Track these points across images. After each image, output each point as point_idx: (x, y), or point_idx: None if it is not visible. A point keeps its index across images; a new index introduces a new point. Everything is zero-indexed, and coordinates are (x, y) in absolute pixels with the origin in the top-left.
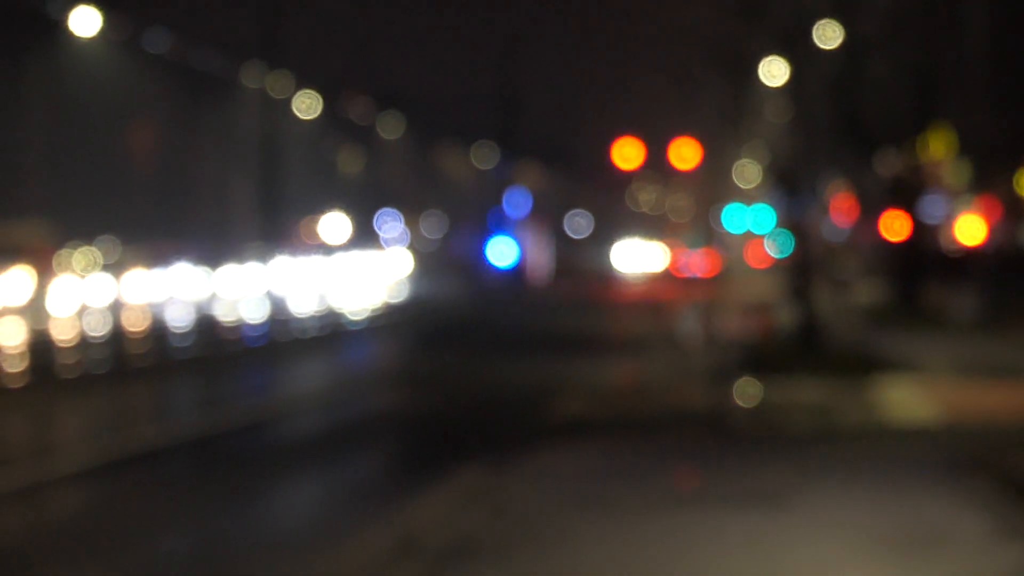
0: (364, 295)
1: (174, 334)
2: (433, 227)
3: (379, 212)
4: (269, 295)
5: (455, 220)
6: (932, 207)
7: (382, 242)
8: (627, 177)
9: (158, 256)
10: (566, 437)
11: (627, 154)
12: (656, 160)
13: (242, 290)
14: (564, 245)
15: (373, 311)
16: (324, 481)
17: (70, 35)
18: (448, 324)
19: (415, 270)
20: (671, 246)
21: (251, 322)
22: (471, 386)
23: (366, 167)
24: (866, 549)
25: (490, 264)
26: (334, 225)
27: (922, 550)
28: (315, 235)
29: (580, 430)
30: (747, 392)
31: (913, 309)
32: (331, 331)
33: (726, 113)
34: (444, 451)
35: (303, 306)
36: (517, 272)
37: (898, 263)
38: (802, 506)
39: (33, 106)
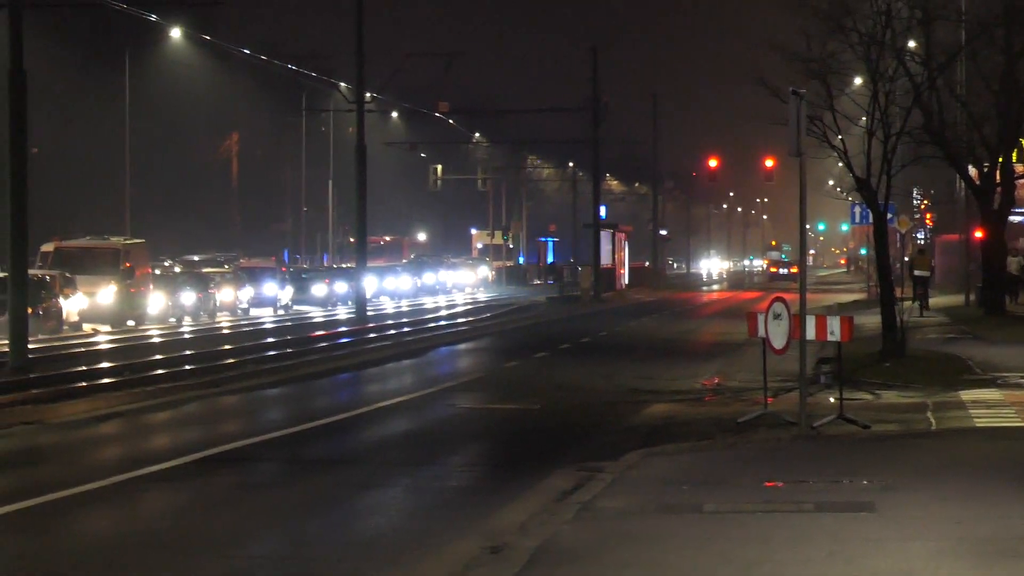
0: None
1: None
2: (520, 237)
3: (471, 227)
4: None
5: (543, 229)
6: (1019, 214)
7: (474, 251)
8: (713, 190)
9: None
10: (654, 438)
11: (712, 167)
12: (742, 174)
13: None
14: (647, 254)
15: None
16: (414, 486)
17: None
18: (537, 326)
19: (504, 276)
20: (767, 260)
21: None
22: (566, 385)
23: (459, 182)
24: (956, 556)
25: (576, 268)
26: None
27: (1014, 559)
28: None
29: (668, 431)
30: (832, 395)
31: (999, 315)
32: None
33: (813, 126)
34: (538, 451)
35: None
36: (604, 277)
37: (984, 269)
38: (892, 511)
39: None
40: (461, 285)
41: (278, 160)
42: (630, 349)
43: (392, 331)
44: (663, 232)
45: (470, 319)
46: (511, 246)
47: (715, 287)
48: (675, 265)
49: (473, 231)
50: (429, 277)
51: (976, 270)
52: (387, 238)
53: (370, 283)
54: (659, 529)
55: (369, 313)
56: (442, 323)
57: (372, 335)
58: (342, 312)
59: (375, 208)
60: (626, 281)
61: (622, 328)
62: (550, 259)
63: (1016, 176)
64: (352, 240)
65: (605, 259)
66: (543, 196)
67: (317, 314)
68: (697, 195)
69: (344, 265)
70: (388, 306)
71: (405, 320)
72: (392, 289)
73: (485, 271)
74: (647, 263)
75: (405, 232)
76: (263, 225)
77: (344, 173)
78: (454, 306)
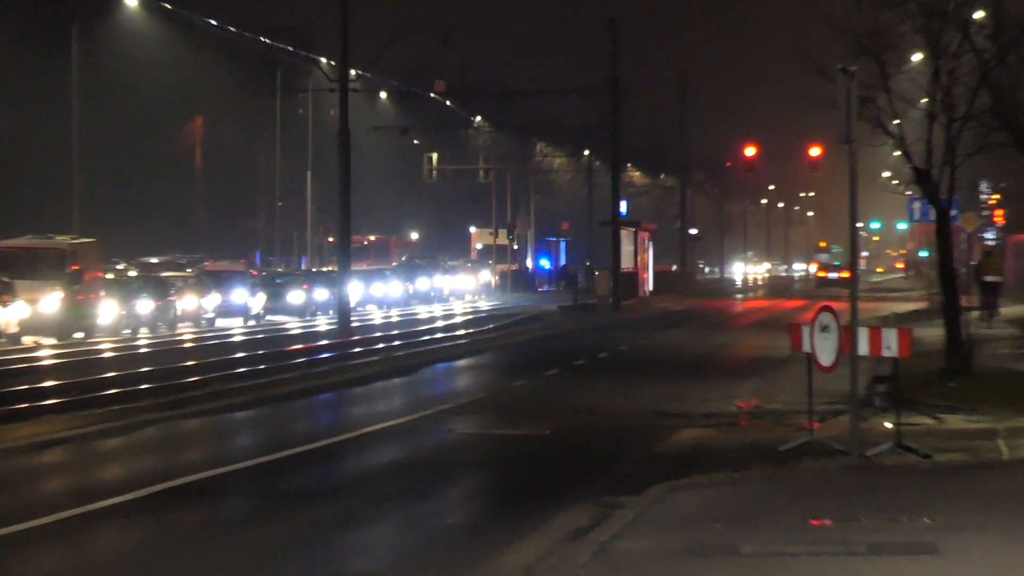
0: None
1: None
2: (528, 237)
3: (470, 227)
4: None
5: (555, 228)
6: None
7: (473, 253)
8: (750, 183)
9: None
10: (683, 469)
11: (749, 157)
12: (783, 165)
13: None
14: (674, 257)
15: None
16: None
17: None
18: (549, 338)
19: (509, 282)
20: (815, 263)
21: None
22: (580, 408)
23: (456, 173)
24: None
25: (593, 273)
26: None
27: None
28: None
29: (698, 461)
30: (888, 419)
31: None
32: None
33: (865, 109)
34: (548, 484)
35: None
36: (625, 282)
37: None
38: (957, 554)
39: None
40: (459, 292)
41: (249, 148)
42: (655, 366)
43: (380, 345)
44: (693, 231)
45: (470, 331)
46: (516, 247)
47: (753, 294)
48: (706, 269)
49: (472, 230)
50: (423, 283)
51: None
52: (372, 237)
53: (355, 289)
54: (688, 575)
55: (354, 324)
56: (438, 336)
57: (357, 349)
58: (322, 323)
59: (360, 203)
60: (650, 287)
61: (646, 341)
62: (562, 262)
63: None
64: (333, 239)
65: (626, 262)
66: (554, 190)
67: (294, 325)
68: (732, 189)
69: (325, 269)
70: (376, 316)
71: (395, 332)
72: (380, 296)
73: (487, 276)
74: (674, 267)
75: (394, 231)
76: (231, 222)
77: (325, 162)
78: (451, 316)
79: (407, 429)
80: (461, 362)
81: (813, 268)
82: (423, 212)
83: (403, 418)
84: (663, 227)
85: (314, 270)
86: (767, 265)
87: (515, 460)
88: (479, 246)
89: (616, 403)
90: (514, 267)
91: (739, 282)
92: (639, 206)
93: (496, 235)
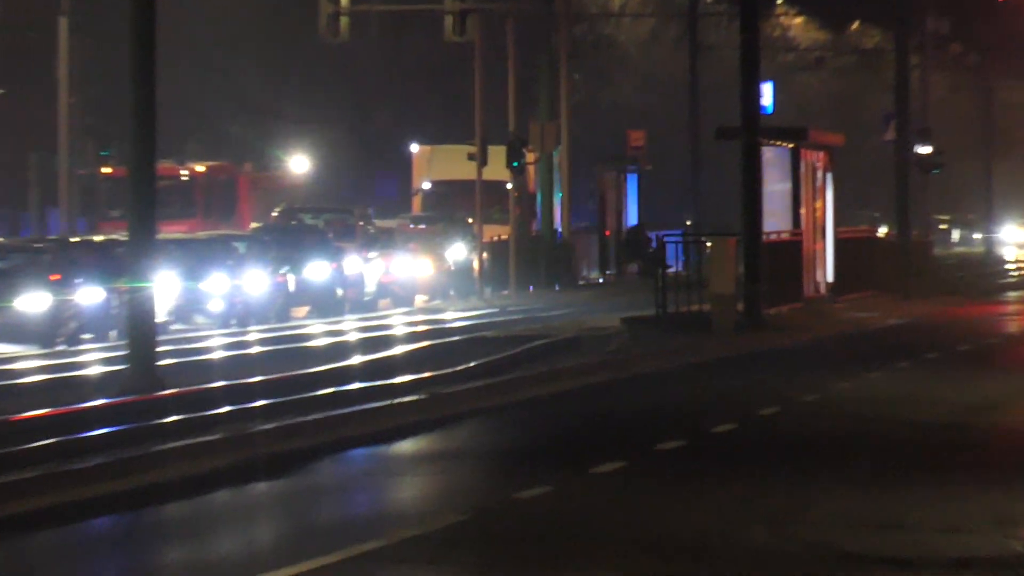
0: None
1: None
2: (554, 164)
3: None
4: None
5: (613, 143)
6: None
7: None
8: None
9: None
10: None
11: None
12: None
13: None
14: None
15: None
16: None
17: None
18: None
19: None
20: None
21: None
22: (675, 546)
23: None
24: None
25: (700, 245)
26: None
27: None
28: None
29: None
30: None
31: None
32: None
33: None
34: None
35: None
36: (772, 265)
37: None
38: None
39: None
40: (402, 285)
41: None
42: (839, 450)
43: (223, 408)
44: (924, 148)
45: (425, 376)
46: (532, 189)
47: None
48: (952, 233)
49: (415, 149)
50: (316, 269)
51: None
52: (201, 167)
53: (167, 284)
54: None
55: (164, 362)
56: (352, 387)
57: (171, 419)
58: (93, 357)
59: (184, 96)
60: (829, 274)
61: (818, 397)
62: (631, 219)
63: None
64: (111, 171)
65: (775, 220)
66: (612, 61)
67: (29, 363)
68: (1009, 60)
69: (94, 237)
70: (213, 342)
71: (257, 379)
72: (225, 295)
73: (462, 251)
74: (882, 228)
75: (253, 154)
76: None
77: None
78: (384, 341)
79: None
80: (406, 445)
81: None
82: (318, 114)
83: None
84: (857, 140)
85: (75, 240)
86: None
87: None
88: (427, 186)
89: (752, 534)
90: (525, 231)
91: (1014, 262)
92: (804, 95)
93: (480, 158)
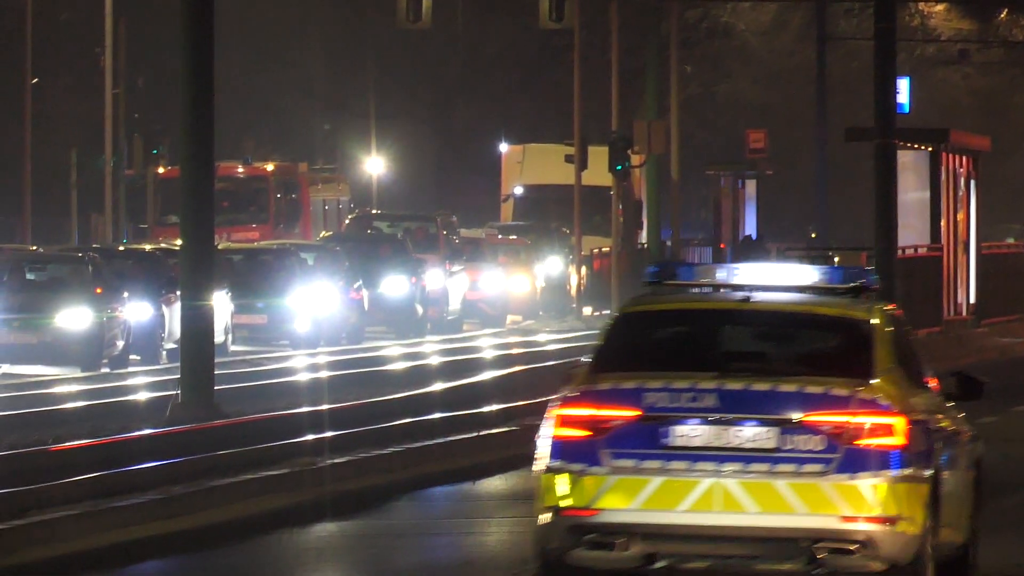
0: None
1: None
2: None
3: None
4: None
5: (730, 144)
6: None
7: None
8: None
9: None
10: None
11: None
12: None
13: None
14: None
15: None
16: None
17: None
18: None
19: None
20: None
21: None
22: None
23: None
24: None
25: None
26: None
27: None
28: None
29: None
30: None
31: None
32: None
33: None
34: None
35: None
36: (914, 278)
37: None
38: None
39: None
40: (488, 303)
41: None
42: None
43: (288, 437)
44: None
45: (514, 406)
46: (637, 197)
47: None
48: None
49: (504, 148)
50: (393, 283)
51: None
52: (270, 167)
53: (221, 303)
54: None
55: (222, 387)
56: (433, 415)
57: (228, 450)
58: (142, 381)
59: (243, 91)
60: (972, 295)
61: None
62: (747, 230)
63: None
64: (164, 171)
65: (911, 234)
66: (729, 54)
67: (70, 387)
68: None
69: (144, 246)
70: (277, 364)
71: (325, 407)
72: (293, 313)
73: (555, 265)
74: None
75: (322, 153)
76: None
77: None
78: (471, 364)
79: None
80: (494, 483)
81: None
82: (394, 108)
83: None
84: (1005, 145)
85: (122, 247)
86: None
87: None
88: (518, 191)
89: None
90: (630, 243)
91: None
92: (946, 93)
93: (579, 160)
